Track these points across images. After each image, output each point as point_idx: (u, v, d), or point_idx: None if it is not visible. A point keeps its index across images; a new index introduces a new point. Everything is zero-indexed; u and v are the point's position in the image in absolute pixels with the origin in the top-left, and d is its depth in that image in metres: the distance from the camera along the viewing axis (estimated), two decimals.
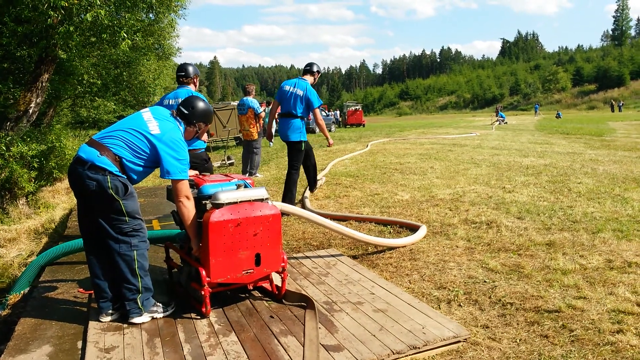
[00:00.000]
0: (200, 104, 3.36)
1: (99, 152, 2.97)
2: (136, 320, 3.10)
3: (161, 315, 3.19)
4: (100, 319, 3.14)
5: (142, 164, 3.10)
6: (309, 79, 6.27)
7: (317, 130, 26.96)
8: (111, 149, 3.01)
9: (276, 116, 6.69)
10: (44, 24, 7.38)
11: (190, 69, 5.02)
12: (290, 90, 6.19)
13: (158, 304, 3.22)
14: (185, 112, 3.31)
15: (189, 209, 3.14)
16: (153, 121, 3.14)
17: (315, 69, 6.34)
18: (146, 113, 3.21)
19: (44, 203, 9.43)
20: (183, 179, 3.09)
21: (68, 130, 15.06)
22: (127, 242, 3.05)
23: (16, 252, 6.65)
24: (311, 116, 6.23)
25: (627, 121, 28.67)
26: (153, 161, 3.11)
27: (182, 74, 5.00)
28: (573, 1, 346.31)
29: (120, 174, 3.01)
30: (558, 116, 45.84)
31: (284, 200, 6.19)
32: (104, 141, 3.05)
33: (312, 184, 7.15)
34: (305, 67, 6.42)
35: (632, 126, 22.71)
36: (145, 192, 8.31)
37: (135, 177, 3.13)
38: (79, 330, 3.09)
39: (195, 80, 5.06)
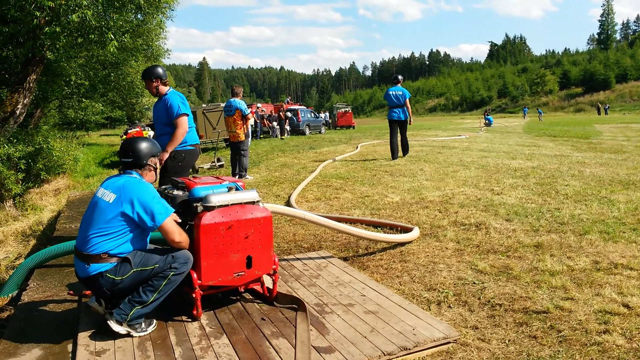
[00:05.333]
0: (137, 144, 3.18)
1: (85, 264, 2.93)
2: (113, 325, 2.92)
3: (138, 334, 2.99)
4: (89, 304, 3.03)
5: (127, 238, 2.99)
6: (399, 84, 11.18)
7: (307, 132, 27.11)
8: (92, 252, 2.92)
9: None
10: (30, 24, 7.30)
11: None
12: (394, 93, 11.03)
13: (143, 325, 3.04)
14: (130, 160, 3.14)
15: (187, 241, 3.10)
16: (105, 192, 3.02)
17: (400, 77, 11.60)
18: (99, 190, 3.09)
19: (31, 205, 9.34)
20: (167, 217, 3.00)
21: (55, 131, 14.89)
22: (166, 275, 3.00)
23: (3, 255, 6.57)
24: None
25: (613, 124, 29.04)
26: (133, 225, 2.98)
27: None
28: (558, 5, 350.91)
29: (114, 264, 2.93)
30: (539, 113, 47.09)
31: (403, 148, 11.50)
32: (84, 250, 2.95)
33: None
34: (395, 78, 11.51)
35: (617, 129, 23.00)
36: None
37: (131, 249, 3.01)
38: (69, 333, 3.07)
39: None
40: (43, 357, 2.81)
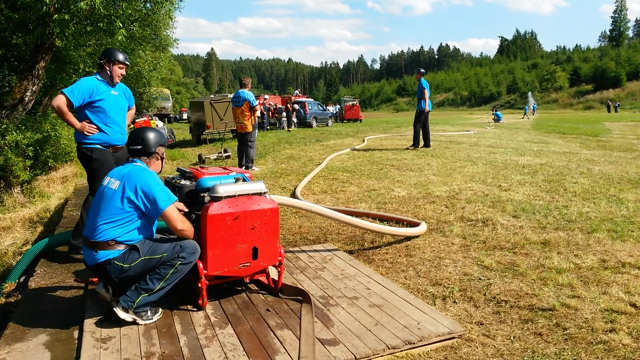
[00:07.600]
0: (146, 133, 3.25)
1: (93, 251, 2.96)
2: (119, 312, 2.94)
3: (144, 322, 3.01)
4: (97, 290, 3.04)
5: (134, 225, 3.01)
6: (418, 77, 11.98)
7: (314, 124, 27.08)
8: (100, 239, 2.95)
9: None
10: (40, 12, 7.29)
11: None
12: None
13: (149, 313, 3.06)
14: (139, 147, 3.20)
15: (191, 230, 3.10)
16: (111, 180, 3.06)
17: (415, 71, 12.48)
18: (106, 179, 3.13)
19: (39, 192, 9.38)
20: (170, 204, 3.01)
21: None
22: (173, 264, 3.02)
23: (11, 241, 6.62)
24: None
25: (623, 122, 28.77)
26: (140, 212, 3.01)
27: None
28: (569, 0, 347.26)
29: (122, 251, 2.96)
30: (525, 110, 43.01)
31: (426, 139, 12.21)
32: (92, 237, 2.97)
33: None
34: (417, 72, 12.34)
35: (627, 127, 22.79)
36: None
37: (138, 237, 3.04)
38: (75, 320, 3.09)
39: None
40: (49, 343, 2.83)
